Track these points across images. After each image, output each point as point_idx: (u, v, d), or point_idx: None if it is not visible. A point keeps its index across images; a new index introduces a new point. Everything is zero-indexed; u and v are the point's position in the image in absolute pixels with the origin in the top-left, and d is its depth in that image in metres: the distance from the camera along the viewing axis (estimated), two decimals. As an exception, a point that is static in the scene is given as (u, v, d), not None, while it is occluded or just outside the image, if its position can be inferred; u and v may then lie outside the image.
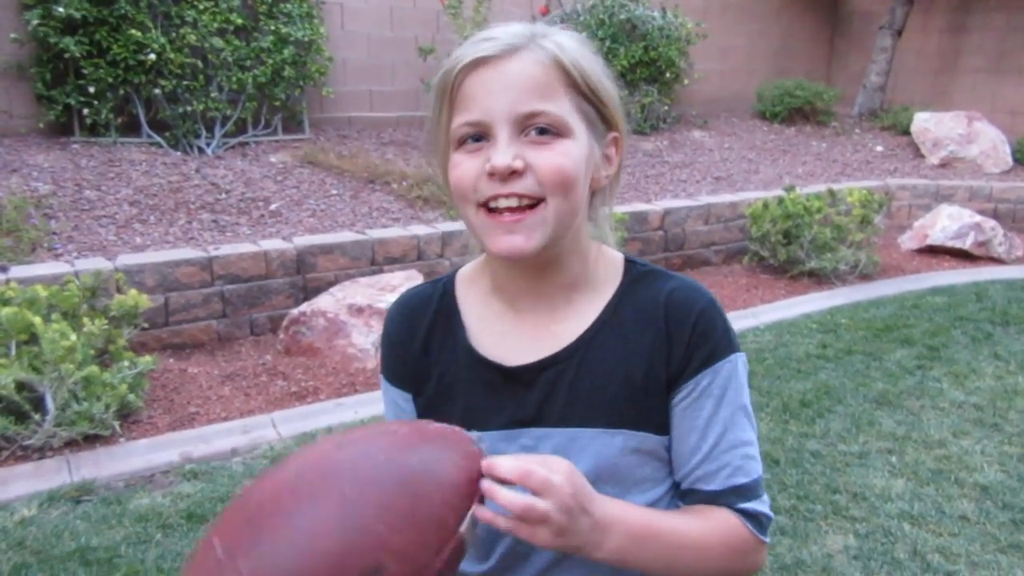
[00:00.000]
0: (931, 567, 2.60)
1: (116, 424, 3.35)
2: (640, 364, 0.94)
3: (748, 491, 0.95)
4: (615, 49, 7.80)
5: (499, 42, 0.88)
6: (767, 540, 0.96)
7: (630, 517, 0.88)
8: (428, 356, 1.02)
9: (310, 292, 4.59)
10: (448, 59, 0.92)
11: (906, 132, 8.88)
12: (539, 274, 0.97)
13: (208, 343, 4.36)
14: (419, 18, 7.25)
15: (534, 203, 0.88)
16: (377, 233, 4.97)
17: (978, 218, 6.55)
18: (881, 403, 3.83)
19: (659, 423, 0.95)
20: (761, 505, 0.96)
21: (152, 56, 5.53)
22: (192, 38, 5.69)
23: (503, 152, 0.86)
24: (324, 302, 4.33)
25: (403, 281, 4.53)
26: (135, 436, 3.39)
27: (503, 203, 0.88)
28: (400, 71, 7.19)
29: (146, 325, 3.98)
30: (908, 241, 6.77)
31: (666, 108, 8.20)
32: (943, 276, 5.99)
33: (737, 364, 0.95)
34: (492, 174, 0.86)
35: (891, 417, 3.68)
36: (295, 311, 4.32)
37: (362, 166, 6.07)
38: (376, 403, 3.78)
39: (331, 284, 4.59)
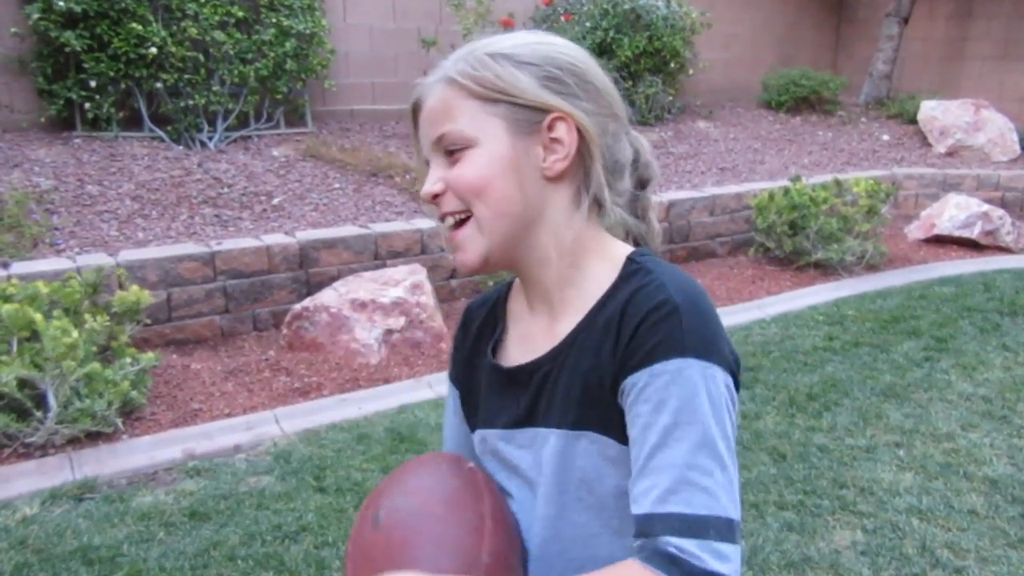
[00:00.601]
0: (940, 563, 2.57)
1: (118, 421, 3.33)
2: (599, 366, 0.89)
3: (686, 526, 0.77)
4: (619, 39, 7.73)
5: (418, 88, 0.97)
6: None
7: None
8: (475, 361, 1.08)
9: (313, 287, 4.57)
10: None
11: (913, 121, 8.81)
12: (528, 277, 0.99)
13: (211, 339, 4.35)
14: (421, 9, 7.21)
15: (466, 218, 0.94)
16: (380, 227, 4.94)
17: (986, 207, 6.49)
18: (888, 396, 3.80)
19: (621, 430, 0.88)
20: (704, 550, 0.76)
21: (153, 50, 5.50)
22: (193, 31, 5.66)
23: (427, 182, 0.95)
24: (327, 297, 4.31)
25: (406, 275, 4.50)
26: (138, 433, 3.38)
27: (444, 225, 0.96)
28: (403, 63, 7.15)
29: (148, 321, 3.96)
30: (915, 231, 6.72)
31: (670, 98, 8.14)
32: (950, 266, 5.94)
33: (690, 371, 0.81)
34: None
35: (899, 410, 3.65)
36: (298, 306, 4.31)
37: (364, 159, 6.04)
38: (379, 399, 3.77)
39: (334, 279, 4.56)
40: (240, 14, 5.87)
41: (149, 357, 3.52)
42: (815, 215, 5.61)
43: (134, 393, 3.40)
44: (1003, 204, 7.05)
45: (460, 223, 0.93)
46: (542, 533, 0.96)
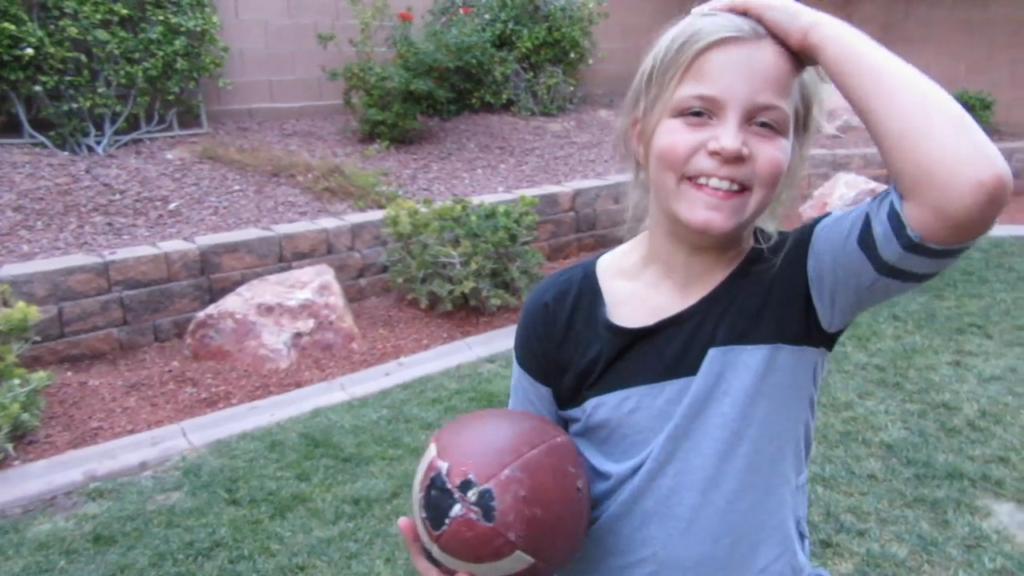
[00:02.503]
0: (844, 527, 2.69)
1: (9, 447, 3.15)
2: (775, 285, 0.96)
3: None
4: (518, 31, 7.76)
5: (747, 24, 0.88)
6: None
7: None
8: (571, 337, 1.04)
9: (216, 293, 4.43)
10: (687, 26, 0.92)
11: (803, 104, 9.15)
12: (706, 251, 0.98)
13: (109, 353, 4.16)
14: (318, 4, 7.05)
15: (741, 189, 0.90)
16: (284, 228, 4.82)
17: (873, 184, 6.80)
18: (791, 370, 3.94)
19: (797, 334, 0.95)
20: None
21: (29, 51, 5.19)
22: (73, 31, 5.37)
23: (734, 136, 0.87)
24: (231, 303, 4.18)
25: (314, 277, 4.42)
26: (32, 458, 3.20)
27: (715, 183, 0.89)
28: (300, 60, 6.99)
29: (38, 338, 3.76)
30: (809, 210, 6.98)
31: (572, 88, 8.23)
32: (843, 242, 6.20)
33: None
34: (716, 153, 0.87)
35: (801, 383, 3.79)
36: (201, 314, 4.17)
37: (265, 159, 5.88)
38: (291, 404, 3.69)
39: (238, 284, 4.44)
40: (124, 12, 5.61)
41: (40, 376, 3.34)
42: (715, 199, 5.76)
43: (25, 416, 3.22)
44: (888, 180, 7.40)
45: (734, 192, 0.90)
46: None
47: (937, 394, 3.65)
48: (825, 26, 0.85)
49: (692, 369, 0.96)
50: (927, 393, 3.66)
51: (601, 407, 1.02)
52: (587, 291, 1.06)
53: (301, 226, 4.89)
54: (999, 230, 6.40)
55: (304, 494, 2.95)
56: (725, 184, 0.89)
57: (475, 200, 4.99)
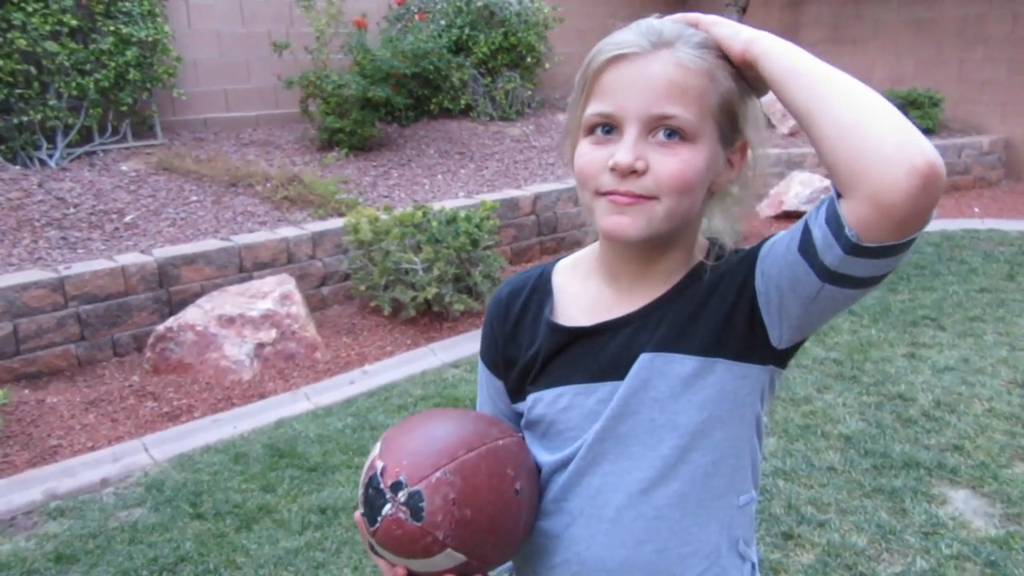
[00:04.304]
0: (805, 519, 2.74)
1: (-34, 467, 3.09)
2: (720, 300, 0.97)
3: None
4: (474, 36, 7.79)
5: (644, 39, 0.91)
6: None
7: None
8: (519, 333, 1.09)
9: (176, 306, 4.37)
10: (596, 47, 0.95)
11: (757, 104, 9.30)
12: (645, 259, 1.00)
13: (67, 369, 4.09)
14: (271, 12, 7.01)
15: (648, 198, 0.92)
16: (243, 239, 4.78)
17: (827, 182, 6.91)
18: (751, 366, 4.00)
19: (738, 351, 0.96)
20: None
21: (-24, 64, 5.11)
22: (22, 42, 5.28)
23: (627, 151, 0.90)
24: (192, 315, 4.14)
25: (275, 286, 4.39)
26: (-10, 478, 3.14)
27: (619, 198, 0.92)
28: (255, 68, 6.93)
29: (-7, 356, 3.70)
30: (766, 208, 7.10)
31: (529, 93, 8.27)
32: (799, 240, 6.31)
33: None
34: (613, 169, 0.91)
35: (761, 379, 3.86)
36: (161, 327, 4.11)
37: (222, 169, 5.82)
38: (255, 415, 3.66)
39: (198, 295, 4.39)
40: (74, 23, 5.52)
41: (-4, 395, 3.28)
42: (674, 199, 5.83)
43: (-18, 435, 3.16)
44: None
45: (640, 197, 0.92)
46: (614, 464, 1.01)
47: (893, 386, 3.74)
48: (765, 39, 0.89)
49: (625, 373, 0.98)
50: (883, 385, 3.75)
51: (539, 403, 1.05)
52: (539, 290, 1.10)
53: (261, 236, 4.85)
54: (950, 224, 6.58)
55: (270, 505, 2.93)
56: (628, 198, 0.93)
57: (436, 206, 5.00)
